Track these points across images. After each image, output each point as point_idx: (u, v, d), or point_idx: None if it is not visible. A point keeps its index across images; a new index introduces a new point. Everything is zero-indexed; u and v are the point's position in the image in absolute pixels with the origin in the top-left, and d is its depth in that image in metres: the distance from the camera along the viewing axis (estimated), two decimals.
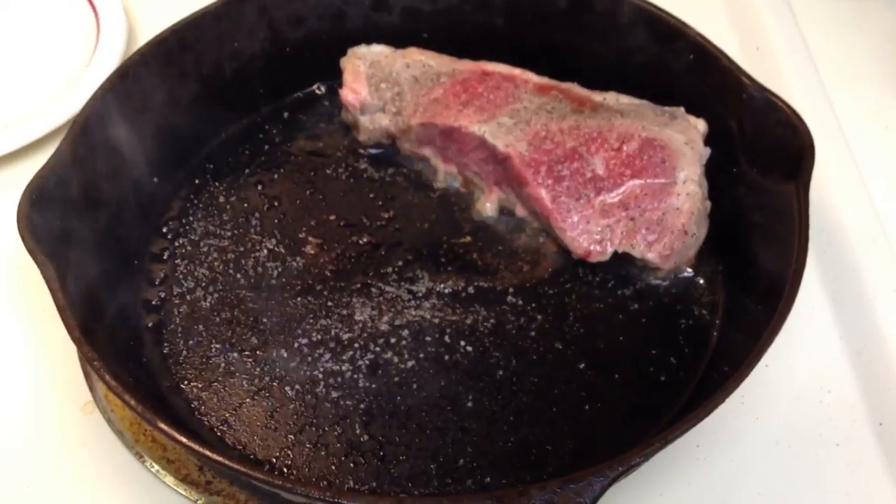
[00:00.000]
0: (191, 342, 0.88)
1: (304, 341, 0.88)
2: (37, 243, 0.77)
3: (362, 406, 0.84)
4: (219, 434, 0.83)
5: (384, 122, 1.01)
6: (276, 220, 0.98)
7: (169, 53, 0.96)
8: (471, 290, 0.92)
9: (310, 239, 0.96)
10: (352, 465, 0.80)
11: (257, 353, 0.87)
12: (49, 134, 1.06)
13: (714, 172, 0.92)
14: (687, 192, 0.89)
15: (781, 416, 0.87)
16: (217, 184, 1.01)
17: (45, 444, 0.86)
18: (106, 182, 0.90)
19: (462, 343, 0.88)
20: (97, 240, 0.87)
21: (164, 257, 0.95)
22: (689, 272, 0.92)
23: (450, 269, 0.93)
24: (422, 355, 0.87)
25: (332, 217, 0.98)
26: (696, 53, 0.95)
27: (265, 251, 0.95)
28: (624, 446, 0.70)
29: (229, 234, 0.97)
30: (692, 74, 0.95)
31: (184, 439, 0.69)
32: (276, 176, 1.02)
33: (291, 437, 0.82)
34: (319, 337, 0.88)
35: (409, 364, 0.86)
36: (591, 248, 0.90)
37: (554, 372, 0.86)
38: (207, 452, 0.69)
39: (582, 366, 0.86)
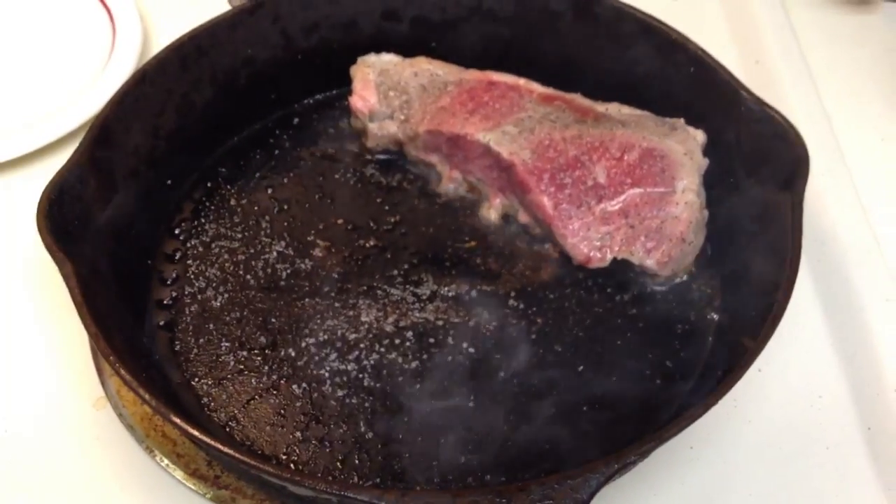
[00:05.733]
0: (201, 340, 0.90)
1: (312, 341, 0.90)
2: (55, 241, 0.79)
3: (367, 405, 0.86)
4: (227, 430, 0.85)
5: (392, 128, 1.03)
6: (285, 223, 1.00)
7: (185, 59, 0.98)
8: (474, 293, 0.94)
9: (318, 242, 0.98)
10: (356, 461, 0.82)
11: (266, 351, 0.89)
12: (67, 135, 1.08)
13: (712, 182, 0.94)
14: (685, 201, 0.91)
15: (773, 420, 0.89)
16: (229, 187, 1.03)
17: (57, 438, 0.88)
18: (122, 183, 0.92)
19: (465, 345, 0.90)
20: (113, 239, 0.89)
21: (177, 258, 0.97)
22: (686, 279, 0.94)
23: (454, 272, 0.95)
24: (425, 356, 0.89)
25: (340, 221, 1.00)
26: (696, 66, 0.97)
27: (275, 253, 0.97)
28: (620, 446, 0.72)
29: (240, 236, 0.99)
30: (692, 87, 0.97)
31: (196, 433, 0.71)
32: (286, 180, 1.04)
33: (298, 433, 0.84)
34: (326, 337, 0.90)
35: (413, 364, 0.88)
36: (592, 254, 0.92)
37: (553, 374, 0.88)
38: (219, 445, 0.70)
39: (581, 368, 0.88)
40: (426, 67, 1.04)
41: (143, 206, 0.95)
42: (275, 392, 0.87)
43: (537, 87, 1.01)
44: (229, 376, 0.88)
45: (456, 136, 0.98)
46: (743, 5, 1.25)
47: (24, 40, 1.24)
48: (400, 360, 0.89)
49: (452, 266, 0.96)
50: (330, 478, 0.81)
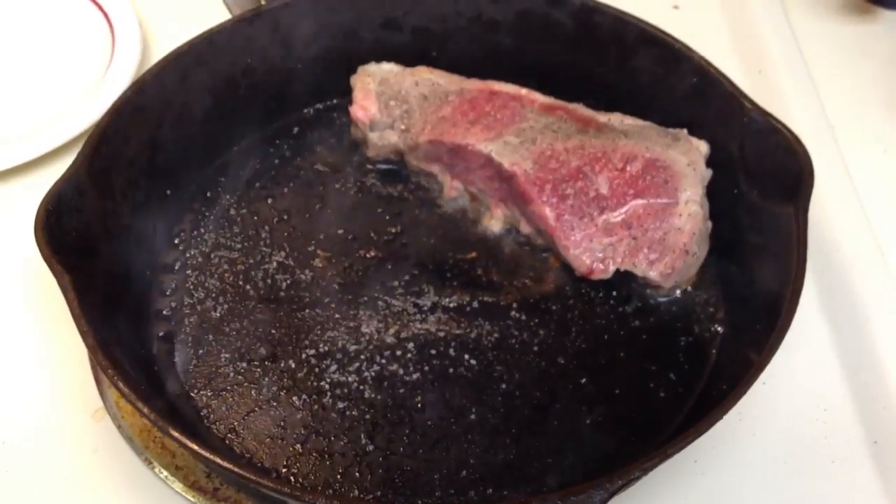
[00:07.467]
0: (201, 352, 0.90)
1: (312, 352, 0.90)
2: (53, 252, 0.79)
3: (368, 417, 0.85)
4: (227, 442, 0.84)
5: (393, 138, 1.03)
6: (285, 234, 0.99)
7: (184, 69, 0.98)
8: (475, 304, 0.93)
9: (318, 252, 0.98)
10: (357, 474, 0.82)
11: (266, 363, 0.89)
12: (66, 144, 1.08)
13: (715, 193, 0.93)
14: (689, 213, 0.91)
15: (778, 433, 0.88)
16: (228, 197, 1.02)
17: (56, 449, 0.88)
18: (120, 194, 0.91)
19: (466, 356, 0.89)
20: (111, 250, 0.88)
21: (176, 268, 0.96)
22: (689, 291, 0.94)
23: (455, 283, 0.95)
24: (427, 368, 0.89)
25: (341, 231, 1.00)
26: (699, 77, 0.96)
27: (274, 263, 0.97)
28: (623, 460, 0.71)
29: (239, 246, 0.98)
30: (695, 97, 0.97)
31: (195, 447, 0.71)
32: (285, 190, 1.03)
33: (298, 446, 0.84)
34: (327, 348, 0.90)
35: (415, 376, 0.88)
36: (594, 265, 0.92)
37: (556, 386, 0.88)
38: (217, 459, 0.70)
39: (583, 380, 0.88)
40: (427, 77, 1.04)
41: (141, 216, 0.94)
42: (275, 404, 0.86)
43: (539, 97, 1.00)
44: (229, 388, 0.88)
45: (457, 146, 0.97)
46: (746, 15, 1.25)
47: (22, 49, 1.23)
48: (401, 371, 0.88)
49: (454, 277, 0.96)
50: (330, 491, 0.81)
